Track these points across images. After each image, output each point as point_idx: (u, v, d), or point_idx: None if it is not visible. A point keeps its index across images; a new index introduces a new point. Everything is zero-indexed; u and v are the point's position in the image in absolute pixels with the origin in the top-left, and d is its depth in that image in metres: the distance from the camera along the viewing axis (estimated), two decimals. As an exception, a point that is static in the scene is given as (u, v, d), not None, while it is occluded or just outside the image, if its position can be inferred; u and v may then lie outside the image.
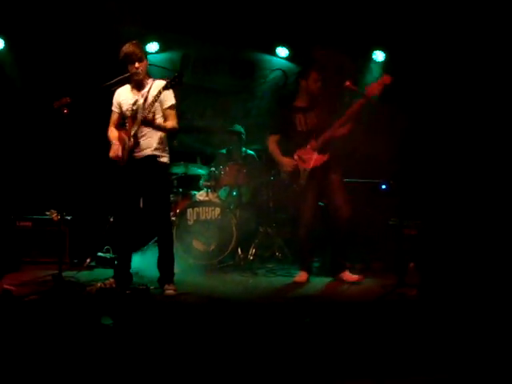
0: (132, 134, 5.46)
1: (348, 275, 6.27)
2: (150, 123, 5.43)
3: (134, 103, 5.56)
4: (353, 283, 6.14)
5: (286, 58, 8.60)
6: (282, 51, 8.53)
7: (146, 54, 5.86)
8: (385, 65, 8.46)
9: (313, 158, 6.15)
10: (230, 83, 8.61)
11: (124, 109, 5.63)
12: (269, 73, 8.46)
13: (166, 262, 5.70)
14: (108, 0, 7.38)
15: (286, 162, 6.26)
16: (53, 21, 7.48)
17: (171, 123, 5.59)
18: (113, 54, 7.77)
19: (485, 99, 7.14)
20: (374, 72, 8.47)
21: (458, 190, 6.97)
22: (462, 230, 6.37)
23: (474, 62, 7.23)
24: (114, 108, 5.73)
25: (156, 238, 6.50)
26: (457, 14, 7.17)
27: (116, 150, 5.55)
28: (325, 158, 6.17)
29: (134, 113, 5.53)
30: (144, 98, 5.53)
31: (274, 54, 8.58)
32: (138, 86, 5.64)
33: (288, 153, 6.32)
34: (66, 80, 7.42)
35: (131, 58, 5.53)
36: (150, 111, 5.40)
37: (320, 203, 6.44)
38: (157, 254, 5.78)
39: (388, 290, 5.51)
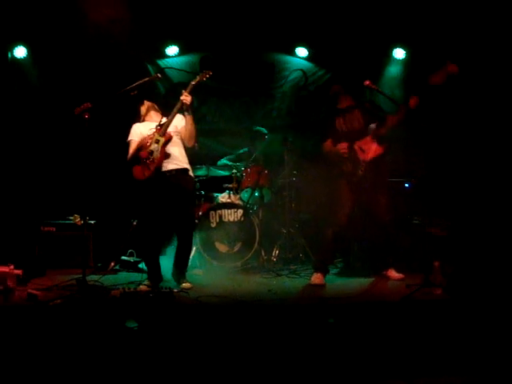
0: (162, 145, 5.76)
1: (393, 273, 6.30)
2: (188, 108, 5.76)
3: (158, 124, 5.84)
4: (398, 281, 6.16)
5: (306, 58, 8.58)
6: (302, 51, 8.51)
7: None
8: (405, 62, 8.39)
9: (372, 149, 6.10)
10: (250, 85, 8.58)
11: (148, 133, 5.88)
12: (288, 73, 8.43)
13: (183, 259, 6.05)
14: (127, 5, 7.43)
15: (341, 146, 6.14)
16: (73, 28, 7.52)
17: None
18: (132, 58, 7.89)
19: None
20: (393, 70, 8.41)
21: (486, 188, 6.91)
22: (489, 229, 6.32)
23: (500, 59, 7.14)
24: (134, 137, 5.94)
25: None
26: (481, 9, 7.10)
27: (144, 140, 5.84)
28: (383, 148, 6.10)
29: (160, 129, 5.81)
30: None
31: (293, 54, 8.56)
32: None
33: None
34: (87, 86, 7.49)
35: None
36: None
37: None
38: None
39: (413, 289, 5.46)
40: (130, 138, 6.00)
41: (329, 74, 8.62)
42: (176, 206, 5.90)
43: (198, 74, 5.83)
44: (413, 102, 5.78)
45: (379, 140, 6.10)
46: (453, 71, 5.59)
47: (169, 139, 5.82)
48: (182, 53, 8.42)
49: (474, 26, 7.22)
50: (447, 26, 7.45)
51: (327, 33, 8.12)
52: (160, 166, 5.81)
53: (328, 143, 6.32)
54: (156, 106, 6.22)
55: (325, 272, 6.24)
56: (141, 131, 5.97)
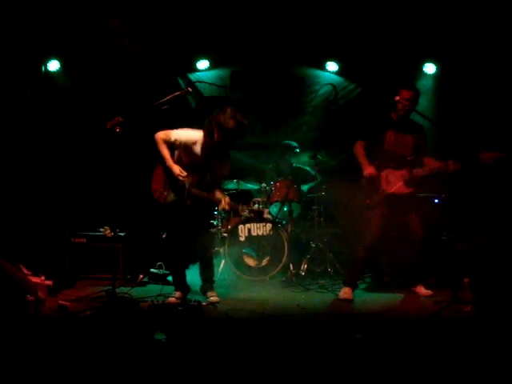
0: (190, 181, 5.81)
1: (422, 289, 6.28)
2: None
3: (201, 164, 5.81)
4: (426, 297, 6.14)
5: (336, 73, 8.57)
6: (332, 66, 8.50)
7: None
8: (436, 77, 8.35)
9: (397, 185, 6.08)
10: (280, 99, 8.60)
11: (188, 160, 5.83)
12: (319, 88, 8.44)
13: (208, 272, 6.07)
14: (158, 19, 7.52)
15: (371, 169, 6.06)
16: (104, 42, 7.61)
17: None
18: (163, 72, 7.96)
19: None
20: (424, 85, 8.36)
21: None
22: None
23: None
24: (175, 141, 5.81)
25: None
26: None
27: (181, 172, 5.76)
28: (408, 190, 6.07)
29: (198, 171, 5.83)
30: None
31: (323, 68, 8.56)
32: (209, 151, 5.80)
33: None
34: (118, 99, 7.58)
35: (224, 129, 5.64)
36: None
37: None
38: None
39: (442, 306, 5.41)
40: (173, 135, 5.84)
41: (359, 88, 8.61)
42: (194, 216, 5.93)
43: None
44: (456, 166, 5.78)
45: (407, 182, 6.07)
46: (502, 158, 5.61)
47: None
48: (212, 67, 8.47)
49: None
50: (477, 40, 7.42)
51: (357, 47, 8.12)
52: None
53: (362, 144, 6.25)
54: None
55: (354, 287, 6.20)
56: (183, 135, 5.85)
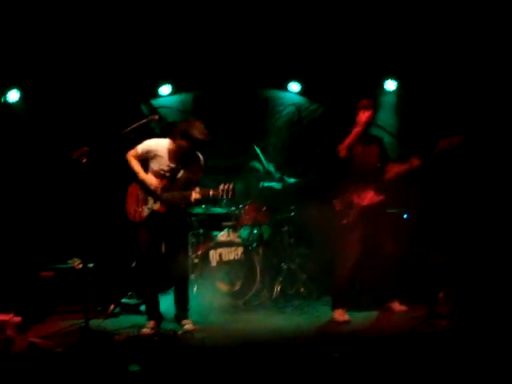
0: (161, 187, 5.79)
1: (397, 305, 6.30)
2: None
3: (170, 170, 5.83)
4: (402, 313, 6.17)
5: (299, 93, 8.59)
6: (294, 86, 8.52)
7: None
8: (397, 94, 8.43)
9: (368, 196, 6.08)
10: (244, 121, 8.59)
11: (158, 167, 5.84)
12: (282, 108, 8.46)
13: (182, 299, 6.04)
14: (118, 46, 7.47)
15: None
16: (66, 71, 7.54)
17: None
18: (126, 99, 7.89)
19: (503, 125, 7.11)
20: (386, 102, 8.43)
21: (485, 216, 6.90)
22: (490, 256, 6.30)
23: (489, 86, 7.21)
24: (143, 152, 5.88)
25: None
26: (469, 40, 7.20)
27: (153, 180, 5.81)
28: (379, 198, 6.09)
29: (169, 176, 5.83)
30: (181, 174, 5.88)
31: (286, 89, 8.57)
32: (176, 156, 5.85)
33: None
34: (83, 128, 7.48)
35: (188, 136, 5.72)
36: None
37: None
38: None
39: (419, 321, 5.42)
40: (139, 147, 5.93)
41: (322, 107, 8.64)
42: (168, 242, 5.97)
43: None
44: (417, 162, 5.87)
45: (377, 188, 6.10)
46: (459, 141, 5.71)
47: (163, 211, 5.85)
48: (175, 92, 8.42)
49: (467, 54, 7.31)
50: (438, 57, 7.54)
51: (318, 67, 8.16)
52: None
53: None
54: None
55: (345, 307, 6.17)
56: (155, 149, 5.90)
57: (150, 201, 5.85)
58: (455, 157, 6.13)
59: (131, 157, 5.89)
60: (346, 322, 6.01)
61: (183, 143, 5.74)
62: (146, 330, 5.75)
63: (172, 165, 5.85)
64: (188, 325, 5.86)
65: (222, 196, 5.53)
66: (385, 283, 6.32)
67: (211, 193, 5.59)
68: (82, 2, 6.98)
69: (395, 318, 6.07)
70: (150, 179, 5.83)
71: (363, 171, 6.11)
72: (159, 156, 5.85)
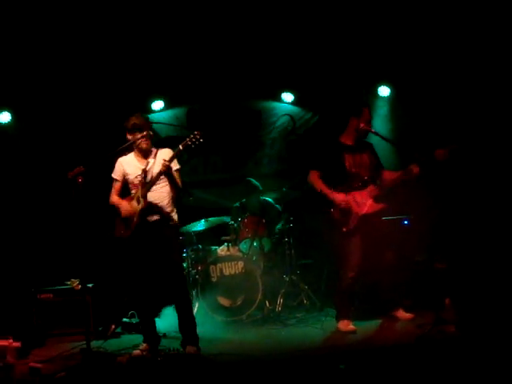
0: (142, 195, 5.49)
1: (402, 313, 6.18)
2: (170, 175, 5.46)
3: (143, 170, 5.59)
4: (408, 321, 6.05)
5: (292, 103, 8.58)
6: (288, 96, 8.51)
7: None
8: (390, 99, 8.40)
9: (367, 204, 5.99)
10: (238, 134, 8.54)
11: (132, 177, 5.64)
12: (276, 119, 8.43)
13: (187, 325, 5.61)
14: (110, 63, 7.44)
15: (341, 199, 5.91)
16: (58, 89, 7.51)
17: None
18: (119, 117, 7.84)
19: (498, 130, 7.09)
20: (380, 108, 8.40)
21: (487, 221, 6.86)
22: (492, 260, 6.26)
23: (482, 92, 7.20)
24: (117, 177, 5.72)
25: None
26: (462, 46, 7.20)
27: (127, 207, 5.56)
28: (379, 207, 6.00)
29: (144, 179, 5.56)
30: (152, 164, 5.60)
31: (279, 99, 8.56)
32: (145, 154, 5.68)
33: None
34: (77, 148, 7.43)
35: (140, 127, 5.60)
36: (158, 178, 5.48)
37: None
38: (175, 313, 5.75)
39: (426, 329, 5.34)
40: (113, 175, 5.76)
41: (316, 116, 8.61)
42: (161, 258, 5.59)
43: (183, 141, 5.41)
44: (416, 170, 5.80)
45: (376, 196, 6.02)
46: (456, 150, 5.64)
47: (147, 207, 5.54)
48: (167, 107, 8.41)
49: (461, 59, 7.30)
50: (431, 63, 7.53)
51: (311, 76, 8.17)
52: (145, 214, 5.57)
53: (316, 174, 6.08)
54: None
55: (350, 318, 6.08)
56: (124, 169, 5.71)
57: (134, 203, 5.55)
58: (454, 162, 6.06)
59: (112, 195, 5.72)
60: (352, 332, 5.92)
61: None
62: (136, 352, 5.52)
63: (143, 177, 5.60)
64: (191, 348, 5.50)
65: (193, 142, 5.28)
66: (388, 291, 6.24)
67: (180, 147, 5.34)
68: (73, 21, 6.96)
69: (401, 326, 5.98)
70: (127, 203, 5.60)
71: (358, 180, 6.04)
72: (129, 174, 5.66)
